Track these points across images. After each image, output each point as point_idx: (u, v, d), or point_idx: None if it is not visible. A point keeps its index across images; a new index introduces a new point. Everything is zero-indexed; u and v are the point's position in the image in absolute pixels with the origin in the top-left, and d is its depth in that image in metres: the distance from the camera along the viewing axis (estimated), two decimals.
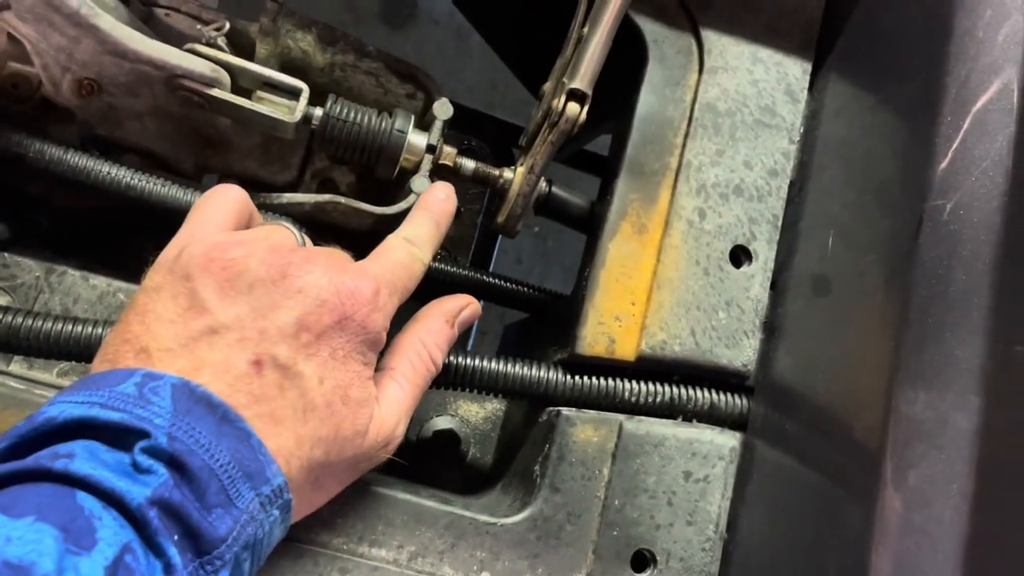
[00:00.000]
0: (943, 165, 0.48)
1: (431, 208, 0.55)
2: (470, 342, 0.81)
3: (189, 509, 0.37)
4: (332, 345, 0.44)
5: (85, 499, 0.35)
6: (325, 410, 0.43)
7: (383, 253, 0.50)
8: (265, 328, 0.43)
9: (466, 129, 0.78)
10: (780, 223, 0.61)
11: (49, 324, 0.52)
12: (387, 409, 0.47)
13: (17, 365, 0.57)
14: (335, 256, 0.48)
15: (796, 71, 0.64)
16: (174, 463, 0.37)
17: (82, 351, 0.52)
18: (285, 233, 0.49)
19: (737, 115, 0.62)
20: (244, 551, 0.39)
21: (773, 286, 0.60)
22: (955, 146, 0.48)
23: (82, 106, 0.59)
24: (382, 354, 0.49)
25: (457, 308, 0.54)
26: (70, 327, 0.52)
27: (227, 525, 0.38)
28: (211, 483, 0.38)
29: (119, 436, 0.38)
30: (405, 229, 0.53)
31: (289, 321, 0.43)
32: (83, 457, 0.36)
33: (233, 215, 0.49)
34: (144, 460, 0.37)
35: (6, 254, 0.58)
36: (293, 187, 0.69)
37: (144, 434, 0.37)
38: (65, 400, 0.39)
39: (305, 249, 0.48)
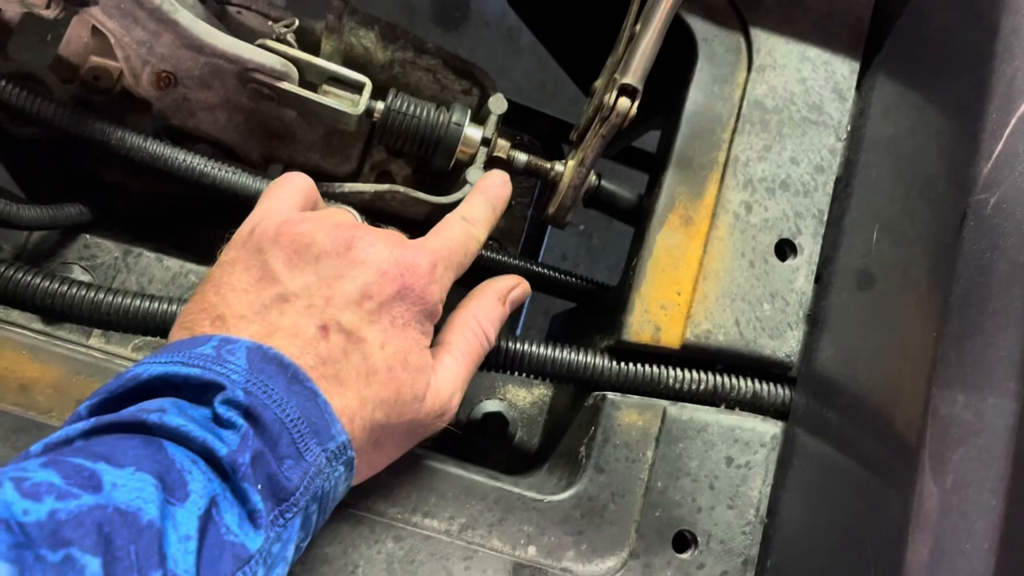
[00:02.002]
0: (988, 161, 0.49)
1: (488, 192, 0.58)
2: (518, 330, 0.83)
3: (268, 458, 0.40)
4: (393, 313, 0.47)
5: (176, 452, 0.38)
6: (386, 374, 0.46)
7: (441, 231, 0.53)
8: (331, 296, 0.46)
9: (517, 125, 0.80)
10: (825, 218, 0.62)
11: (128, 300, 0.55)
12: (443, 380, 0.50)
13: (95, 339, 0.61)
14: (394, 234, 0.51)
15: (844, 70, 0.65)
16: (249, 416, 0.40)
17: (157, 326, 0.55)
18: (347, 214, 0.52)
19: (784, 112, 0.63)
20: (313, 502, 0.42)
21: (817, 279, 0.61)
22: (1000, 143, 0.49)
23: (159, 97, 0.62)
24: (438, 330, 0.52)
25: (508, 287, 0.57)
26: (147, 304, 0.55)
27: (298, 475, 0.41)
28: (283, 435, 0.41)
29: (199, 390, 0.41)
30: (462, 209, 0.56)
31: (353, 290, 0.46)
32: (173, 412, 0.39)
33: (300, 199, 0.52)
34: (224, 412, 0.40)
35: (88, 236, 0.62)
36: (352, 178, 0.72)
37: (221, 387, 0.40)
38: (150, 361, 0.42)
39: (367, 226, 0.51)
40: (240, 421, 0.40)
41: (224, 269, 0.47)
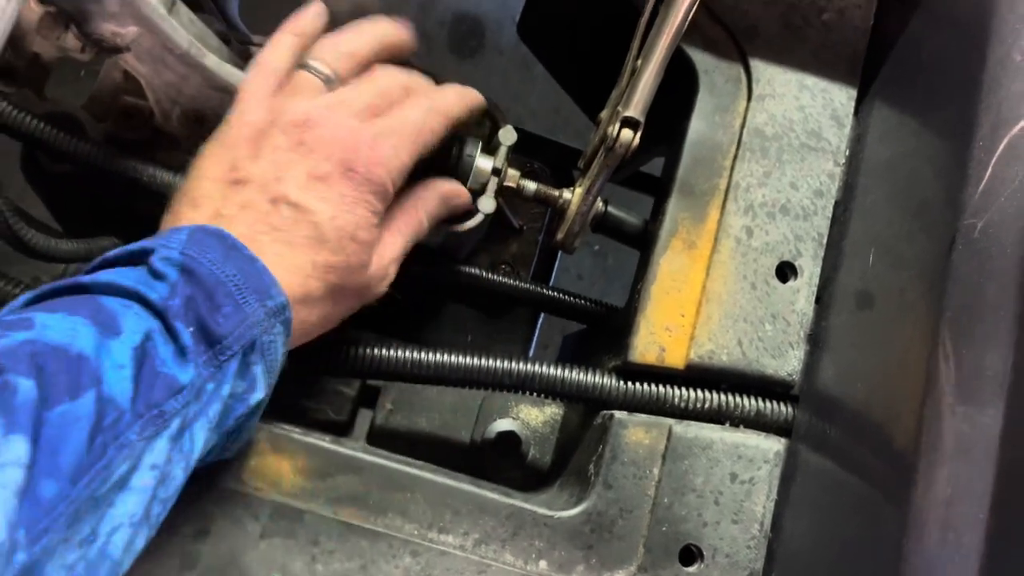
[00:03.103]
0: (976, 187, 0.51)
1: (459, 88, 0.63)
2: (531, 352, 0.86)
3: (199, 303, 0.45)
4: (341, 191, 0.52)
5: (108, 300, 0.43)
6: (336, 243, 0.52)
7: (398, 111, 0.58)
8: (282, 177, 0.52)
9: (530, 152, 0.83)
10: (825, 241, 0.64)
11: None
12: (386, 249, 0.56)
13: None
14: (351, 109, 0.55)
15: (842, 97, 0.67)
16: (184, 269, 0.45)
17: None
18: (310, 87, 0.57)
19: (784, 139, 0.66)
20: (253, 353, 0.47)
21: (818, 300, 0.63)
22: (989, 169, 0.51)
23: (188, 135, 0.66)
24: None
25: (454, 194, 0.63)
26: None
27: (233, 323, 0.46)
28: (218, 288, 0.46)
29: (137, 256, 0.46)
30: (430, 93, 0.61)
31: (302, 172, 0.52)
32: (107, 271, 0.45)
33: (274, 85, 0.56)
34: (160, 266, 0.45)
35: None
36: None
37: (159, 251, 0.46)
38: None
39: (327, 100, 0.56)
40: (174, 272, 0.45)
41: (202, 161, 0.54)
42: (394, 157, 0.55)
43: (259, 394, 0.49)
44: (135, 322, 0.43)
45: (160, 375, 0.42)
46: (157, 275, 0.45)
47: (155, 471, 0.43)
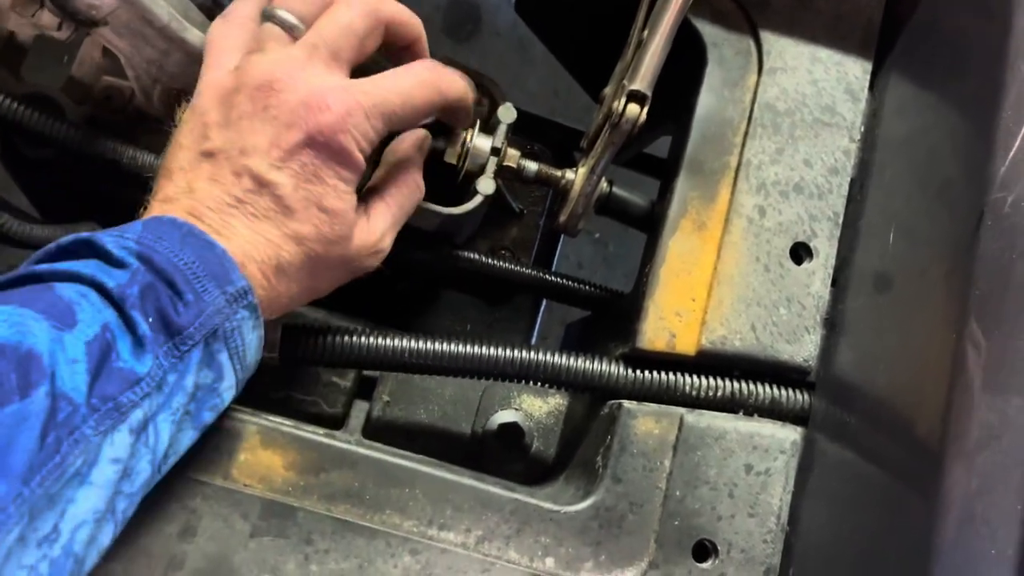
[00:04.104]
0: (1004, 160, 0.48)
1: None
2: (532, 340, 0.83)
3: (159, 291, 0.44)
4: (302, 160, 0.50)
5: (64, 288, 0.42)
6: (303, 213, 0.50)
7: (387, 76, 0.54)
8: (244, 148, 0.50)
9: (529, 134, 0.80)
10: (841, 220, 0.61)
11: None
12: (374, 220, 0.55)
13: None
14: (319, 59, 0.52)
15: (856, 70, 0.64)
16: (141, 257, 0.45)
17: None
18: (275, 39, 0.54)
19: (797, 114, 0.63)
20: (216, 341, 0.46)
21: (834, 283, 0.61)
22: (1017, 141, 0.48)
23: (170, 114, 0.63)
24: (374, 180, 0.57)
25: (422, 137, 0.60)
26: None
27: (194, 311, 0.45)
28: (176, 275, 0.45)
29: (92, 245, 0.45)
30: (432, 67, 0.57)
31: (263, 141, 0.50)
32: (65, 262, 0.44)
33: (241, 47, 0.54)
34: (117, 252, 0.44)
35: None
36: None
37: (115, 240, 0.45)
38: None
39: (292, 54, 0.52)
40: (132, 260, 0.44)
41: (179, 130, 0.53)
42: (363, 122, 0.51)
43: (229, 382, 0.48)
44: (91, 313, 0.42)
45: (115, 370, 0.42)
46: (115, 263, 0.44)
47: (117, 465, 0.42)
